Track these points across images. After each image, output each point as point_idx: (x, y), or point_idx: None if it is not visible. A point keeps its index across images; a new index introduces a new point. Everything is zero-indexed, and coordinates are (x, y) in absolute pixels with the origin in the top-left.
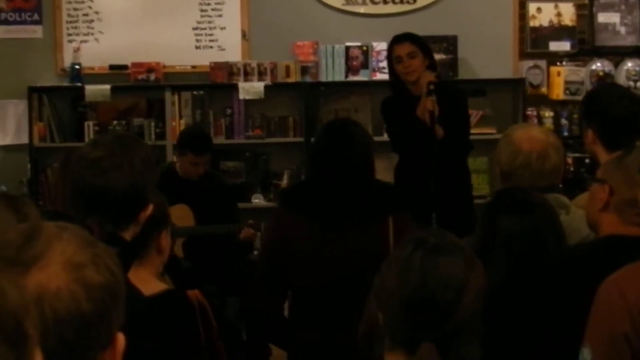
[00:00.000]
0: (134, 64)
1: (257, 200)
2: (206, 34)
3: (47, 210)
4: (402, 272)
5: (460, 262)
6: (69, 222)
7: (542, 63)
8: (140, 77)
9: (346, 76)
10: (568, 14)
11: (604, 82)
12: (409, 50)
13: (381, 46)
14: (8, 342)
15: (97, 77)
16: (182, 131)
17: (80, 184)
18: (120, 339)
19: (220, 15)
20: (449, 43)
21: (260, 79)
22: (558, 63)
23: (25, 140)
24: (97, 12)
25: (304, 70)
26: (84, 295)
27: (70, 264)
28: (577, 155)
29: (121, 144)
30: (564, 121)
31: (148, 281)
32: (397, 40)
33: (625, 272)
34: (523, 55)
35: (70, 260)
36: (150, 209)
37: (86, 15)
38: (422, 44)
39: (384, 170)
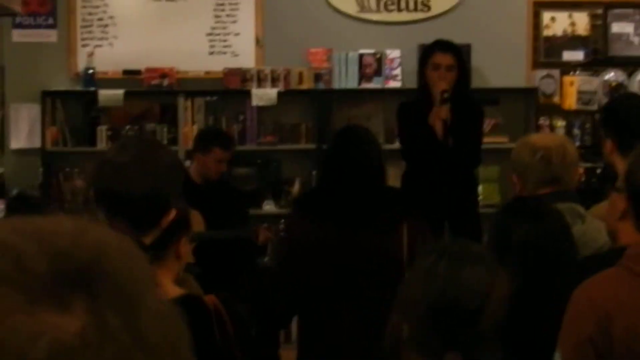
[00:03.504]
0: (148, 69)
1: (269, 206)
2: (220, 40)
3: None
4: (426, 281)
5: (483, 271)
6: None
7: (555, 72)
8: (153, 82)
9: (359, 83)
10: (582, 24)
11: (623, 92)
12: (450, 62)
13: (394, 54)
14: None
15: (110, 82)
16: (204, 130)
17: (105, 188)
18: None
19: (234, 21)
20: (463, 51)
21: (273, 85)
22: (571, 73)
23: (37, 144)
24: (111, 17)
25: (317, 77)
26: None
27: None
28: (589, 165)
29: (147, 149)
30: (576, 131)
31: (165, 286)
32: (440, 48)
33: (596, 277)
34: (536, 64)
35: None
36: (173, 214)
37: (101, 19)
38: (461, 59)
39: (396, 178)
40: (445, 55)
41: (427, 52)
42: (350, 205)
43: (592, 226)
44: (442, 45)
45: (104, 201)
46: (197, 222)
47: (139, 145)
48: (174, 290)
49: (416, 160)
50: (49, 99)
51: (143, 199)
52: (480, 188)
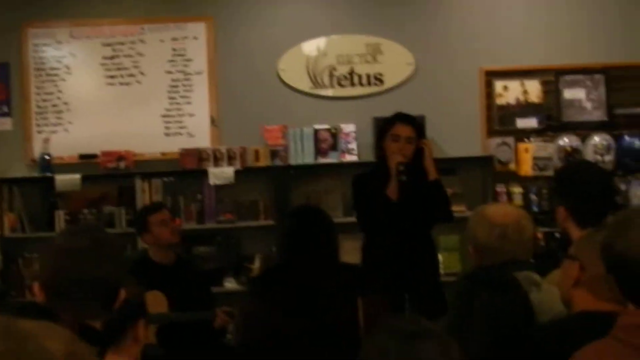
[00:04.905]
0: (104, 153)
1: (230, 284)
2: (175, 121)
3: (25, 303)
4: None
5: (436, 346)
6: (47, 313)
7: (510, 140)
8: (110, 165)
9: (315, 159)
10: (534, 91)
11: (574, 158)
12: (410, 135)
13: (349, 128)
14: None
15: (67, 167)
16: (136, 212)
17: (63, 274)
18: None
19: (188, 102)
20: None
21: (230, 164)
22: (526, 139)
23: None
24: (66, 103)
25: (274, 154)
26: None
27: None
28: (547, 230)
29: (99, 233)
30: (533, 197)
31: None
32: (401, 120)
33: (589, 350)
34: (491, 132)
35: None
36: (123, 294)
37: (55, 106)
38: (420, 132)
39: (356, 251)
40: (405, 127)
41: (387, 124)
42: (302, 287)
43: (549, 294)
44: (402, 117)
45: (60, 288)
46: (160, 302)
47: (91, 230)
48: None
49: (374, 231)
50: (6, 186)
51: (102, 282)
52: (440, 257)
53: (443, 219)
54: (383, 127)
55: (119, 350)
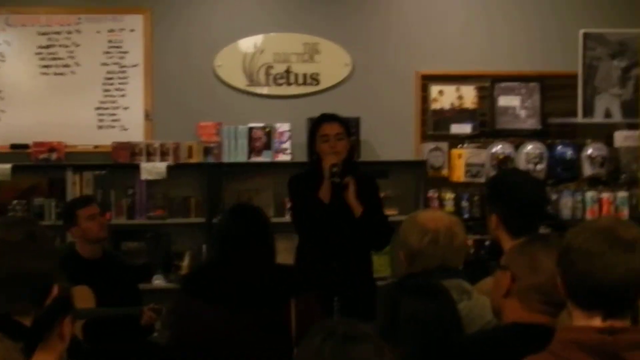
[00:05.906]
0: (36, 144)
1: (158, 281)
2: (109, 114)
3: None
4: None
5: (370, 350)
6: None
7: (444, 145)
8: (41, 156)
9: (249, 157)
10: (469, 97)
11: (507, 167)
12: (338, 131)
13: (284, 127)
14: None
15: None
16: (65, 205)
17: None
18: None
19: (123, 95)
20: (352, 125)
21: (162, 159)
22: (459, 145)
23: None
24: None
25: (207, 150)
26: None
27: None
28: (477, 237)
29: (33, 227)
30: (464, 203)
31: None
32: (326, 119)
33: None
34: (425, 137)
35: None
36: (55, 290)
37: None
38: (348, 128)
39: (286, 251)
40: (332, 125)
41: (314, 126)
42: (239, 284)
43: (479, 302)
44: (327, 117)
45: None
46: (87, 297)
47: (25, 224)
48: None
49: (307, 233)
50: None
51: (34, 278)
52: None
53: (380, 247)
54: (311, 130)
55: (46, 347)
